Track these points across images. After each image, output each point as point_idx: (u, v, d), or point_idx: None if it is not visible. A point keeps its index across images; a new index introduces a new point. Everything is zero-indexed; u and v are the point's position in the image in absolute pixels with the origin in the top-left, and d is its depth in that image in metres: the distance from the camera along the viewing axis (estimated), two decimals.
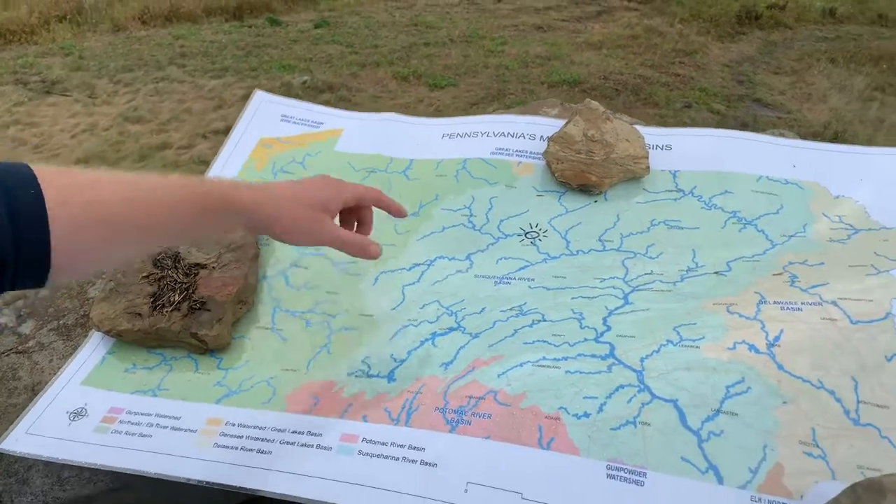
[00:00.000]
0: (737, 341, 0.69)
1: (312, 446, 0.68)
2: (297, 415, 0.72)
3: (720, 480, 0.60)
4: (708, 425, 0.63)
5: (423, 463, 0.64)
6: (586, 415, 0.65)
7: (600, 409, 0.66)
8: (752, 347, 0.69)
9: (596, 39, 8.15)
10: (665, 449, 0.62)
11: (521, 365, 0.71)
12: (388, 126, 1.13)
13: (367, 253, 0.70)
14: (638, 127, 0.97)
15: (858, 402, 0.63)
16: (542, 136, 1.00)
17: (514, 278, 0.86)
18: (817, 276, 0.76)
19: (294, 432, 0.70)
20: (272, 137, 1.14)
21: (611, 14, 9.30)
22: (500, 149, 1.02)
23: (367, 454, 0.66)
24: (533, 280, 0.85)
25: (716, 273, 0.80)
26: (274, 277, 0.90)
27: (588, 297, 0.80)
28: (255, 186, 0.63)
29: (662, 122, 6.26)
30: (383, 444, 0.67)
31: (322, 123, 1.16)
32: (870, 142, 6.02)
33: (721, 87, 7.30)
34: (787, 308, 0.72)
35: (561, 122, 0.99)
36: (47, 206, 0.46)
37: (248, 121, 1.15)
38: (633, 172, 0.90)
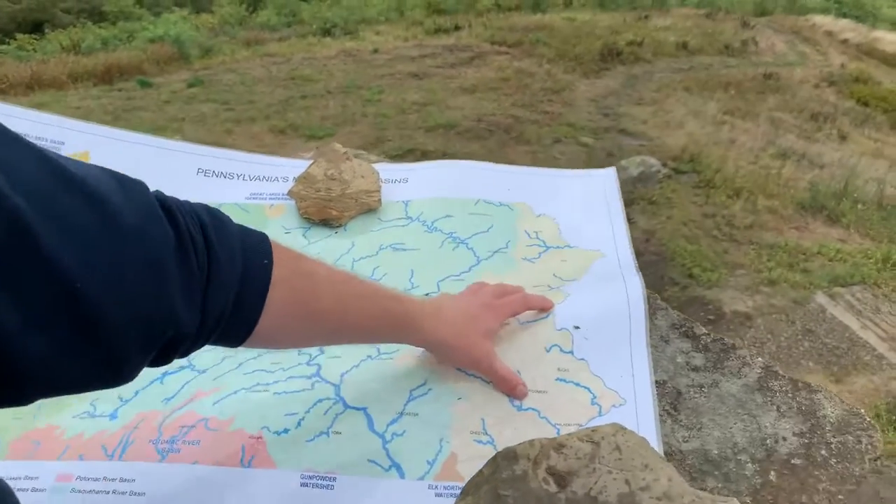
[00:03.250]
0: (424, 350, 0.78)
1: (28, 490, 0.71)
2: (15, 461, 0.74)
3: (402, 475, 0.67)
4: (392, 427, 0.71)
5: (133, 493, 0.67)
6: (286, 430, 0.71)
7: (299, 424, 0.71)
8: None
9: (470, 84, 8.49)
10: (354, 453, 0.69)
11: (235, 392, 0.76)
12: (140, 152, 1.09)
13: (515, 393, 0.71)
14: (378, 165, 1.07)
15: None
16: (294, 178, 1.08)
17: None
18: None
19: (11, 478, 0.72)
20: None
21: (483, 59, 9.71)
22: (254, 193, 1.08)
23: (80, 491, 0.69)
24: None
25: (426, 294, 0.89)
26: None
27: None
28: (435, 312, 0.68)
29: (534, 157, 6.56)
30: (96, 479, 0.70)
31: (63, 143, 1.06)
32: (723, 160, 6.53)
33: (588, 121, 7.75)
34: None
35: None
36: (271, 281, 0.48)
37: None
38: (368, 205, 0.99)
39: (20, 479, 0.72)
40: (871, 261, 4.78)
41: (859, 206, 5.66)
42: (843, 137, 7.87)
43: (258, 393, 0.76)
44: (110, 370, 0.39)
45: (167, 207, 0.41)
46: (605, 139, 7.19)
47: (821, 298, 4.54)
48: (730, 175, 6.00)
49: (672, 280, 4.53)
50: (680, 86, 8.90)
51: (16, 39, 9.69)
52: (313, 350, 0.81)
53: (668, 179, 5.82)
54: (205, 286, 0.44)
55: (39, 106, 7.15)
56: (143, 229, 0.38)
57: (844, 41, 13.72)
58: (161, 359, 0.44)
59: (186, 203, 0.45)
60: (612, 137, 7.32)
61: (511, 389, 0.71)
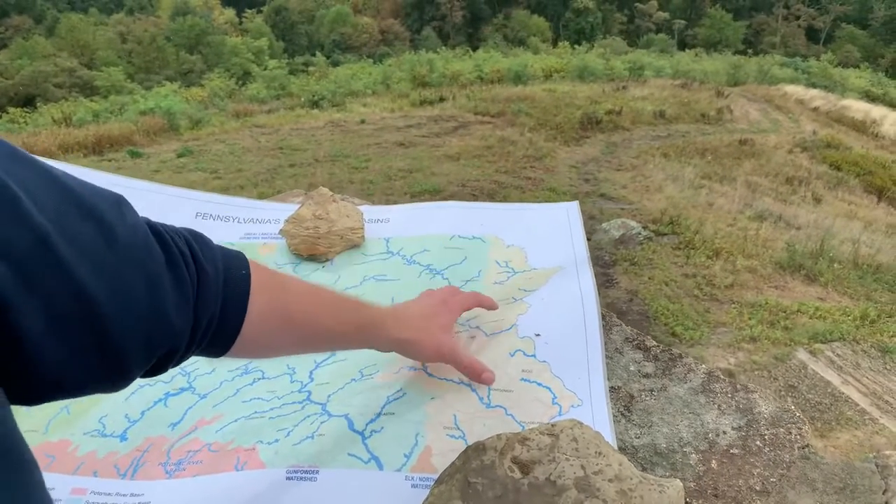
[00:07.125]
0: (401, 367, 0.85)
1: None
2: None
3: (380, 467, 0.73)
4: (371, 425, 0.77)
5: None
6: (276, 441, 0.77)
7: (288, 434, 0.78)
8: (411, 368, 0.84)
9: (454, 152, 8.68)
10: (335, 450, 0.75)
11: (235, 421, 0.82)
12: (143, 197, 1.15)
13: (480, 379, 0.76)
14: (362, 206, 1.16)
15: (490, 389, 0.79)
16: (284, 219, 1.16)
17: None
18: (475, 311, 0.94)
19: None
20: None
21: (467, 128, 9.97)
22: (248, 234, 1.16)
23: (94, 503, 0.75)
24: None
25: None
26: None
27: None
28: (394, 314, 0.73)
29: None
30: (108, 494, 0.75)
31: None
32: (701, 222, 6.69)
33: (569, 186, 7.94)
34: None
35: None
36: (251, 288, 0.53)
37: None
38: (352, 241, 1.08)
39: None
40: (849, 318, 4.86)
41: (836, 265, 5.78)
42: (817, 200, 8.10)
43: (255, 420, 0.83)
44: (116, 376, 0.43)
45: (155, 230, 0.46)
46: (586, 203, 7.34)
47: (802, 355, 4.59)
48: (709, 236, 6.13)
49: (655, 338, 4.58)
50: (658, 152, 9.15)
51: (7, 113, 9.87)
52: (304, 378, 0.88)
53: (648, 241, 5.94)
54: (195, 298, 0.47)
55: None
56: (137, 249, 0.42)
57: (815, 109, 14.26)
58: (157, 369, 0.47)
59: (171, 226, 0.50)
60: (593, 201, 7.48)
61: (477, 376, 0.75)
